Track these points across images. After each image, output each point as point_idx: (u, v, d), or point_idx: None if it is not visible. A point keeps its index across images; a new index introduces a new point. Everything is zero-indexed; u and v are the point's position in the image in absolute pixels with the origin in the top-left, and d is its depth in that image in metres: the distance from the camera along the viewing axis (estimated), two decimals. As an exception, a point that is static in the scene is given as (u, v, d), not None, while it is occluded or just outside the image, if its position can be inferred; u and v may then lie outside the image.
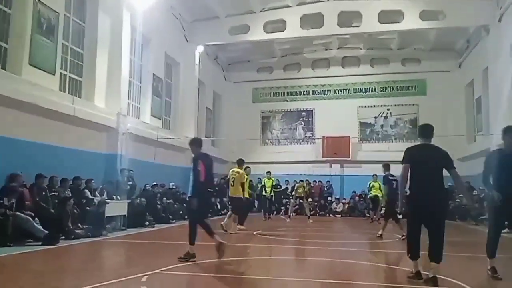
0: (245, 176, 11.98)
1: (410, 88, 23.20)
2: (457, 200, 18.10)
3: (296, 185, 17.07)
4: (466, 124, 21.44)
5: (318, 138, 23.42)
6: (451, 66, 22.32)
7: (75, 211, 9.65)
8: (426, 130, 5.67)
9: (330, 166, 22.68)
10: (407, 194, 5.64)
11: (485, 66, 18.02)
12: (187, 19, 19.46)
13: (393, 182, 10.72)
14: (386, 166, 11.22)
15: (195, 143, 7.08)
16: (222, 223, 11.30)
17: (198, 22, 19.85)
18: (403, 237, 10.16)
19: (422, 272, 5.37)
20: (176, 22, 18.69)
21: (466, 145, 20.52)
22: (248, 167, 13.37)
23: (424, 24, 18.27)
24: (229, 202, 12.83)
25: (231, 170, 11.96)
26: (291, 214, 17.03)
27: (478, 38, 19.07)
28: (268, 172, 16.83)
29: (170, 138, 16.86)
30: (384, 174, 11.13)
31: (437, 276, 5.14)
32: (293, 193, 17.16)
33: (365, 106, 23.57)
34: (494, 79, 16.88)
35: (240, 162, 12.04)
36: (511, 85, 15.43)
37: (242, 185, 11.57)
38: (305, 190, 16.99)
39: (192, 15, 19.53)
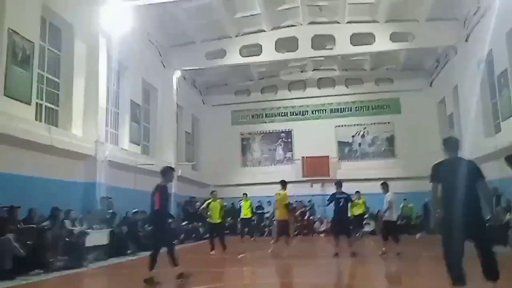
0: (288, 197, 11.60)
1: (385, 107, 23.78)
2: (436, 215, 18.41)
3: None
4: (440, 140, 21.87)
5: (297, 159, 23.61)
6: (423, 85, 23.04)
7: (55, 242, 9.41)
8: (452, 143, 5.42)
9: (311, 186, 22.82)
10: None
11: (455, 83, 18.69)
12: (164, 45, 19.60)
13: (340, 200, 10.95)
14: (338, 183, 11.41)
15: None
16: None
17: (175, 47, 20.03)
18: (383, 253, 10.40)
19: None
20: (153, 48, 18.80)
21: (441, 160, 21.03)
22: (215, 191, 13.30)
23: (394, 46, 18.93)
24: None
25: (275, 193, 11.69)
26: (275, 236, 16.95)
27: (447, 57, 19.80)
28: (244, 194, 16.87)
29: (149, 164, 16.72)
30: (336, 192, 11.24)
31: None
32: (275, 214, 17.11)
33: (342, 126, 23.99)
34: (464, 96, 17.51)
35: (283, 183, 11.71)
36: (479, 102, 16.05)
37: (286, 206, 11.37)
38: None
39: (168, 40, 19.70)
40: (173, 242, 7.29)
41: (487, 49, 14.94)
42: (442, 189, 5.16)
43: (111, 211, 12.75)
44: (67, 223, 10.34)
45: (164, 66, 19.76)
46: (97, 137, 13.35)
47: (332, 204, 11.23)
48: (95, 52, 13.77)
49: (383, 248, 10.66)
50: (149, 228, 7.06)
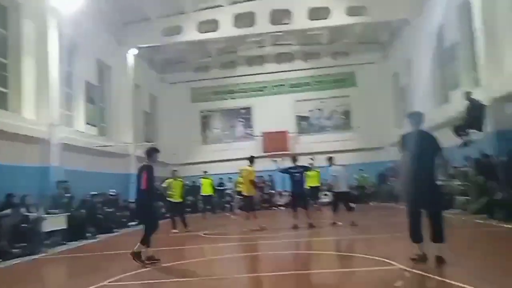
0: (254, 173, 11.68)
1: (341, 80, 24.25)
2: (389, 183, 19.26)
3: (239, 177, 17.10)
4: (394, 112, 22.79)
5: (258, 135, 23.81)
6: (378, 58, 23.59)
7: (11, 229, 9.20)
8: (416, 117, 5.87)
9: (275, 161, 23.12)
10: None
11: (408, 56, 19.26)
12: (117, 22, 18.95)
13: (296, 174, 11.30)
14: (293, 158, 11.75)
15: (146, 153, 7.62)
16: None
17: (129, 24, 19.43)
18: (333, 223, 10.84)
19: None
20: (106, 25, 18.16)
21: (395, 131, 21.81)
22: (176, 170, 13.32)
23: (350, 20, 19.17)
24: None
25: (242, 169, 11.76)
26: (237, 211, 17.28)
27: (401, 31, 20.30)
28: (205, 172, 16.93)
29: (107, 145, 16.42)
30: (291, 166, 11.56)
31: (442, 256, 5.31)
32: (236, 189, 17.33)
33: (300, 100, 24.31)
34: (416, 68, 18.11)
35: (251, 159, 11.74)
36: (430, 74, 16.69)
37: (252, 182, 11.46)
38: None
39: (122, 17, 19.05)
40: (155, 224, 7.28)
41: (439, 22, 15.42)
42: (405, 158, 5.69)
43: (68, 195, 12.51)
44: (23, 209, 10.09)
45: (118, 44, 19.17)
46: (51, 119, 12.94)
47: (288, 177, 11.54)
48: (45, 31, 13.19)
49: (333, 220, 11.05)
50: (135, 207, 7.11)
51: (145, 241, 7.04)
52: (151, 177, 7.23)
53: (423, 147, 5.58)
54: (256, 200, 11.89)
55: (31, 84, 12.81)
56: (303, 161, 11.84)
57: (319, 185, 15.39)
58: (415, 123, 5.83)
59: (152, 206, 7.66)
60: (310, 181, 14.77)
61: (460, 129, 11.38)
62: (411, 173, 5.61)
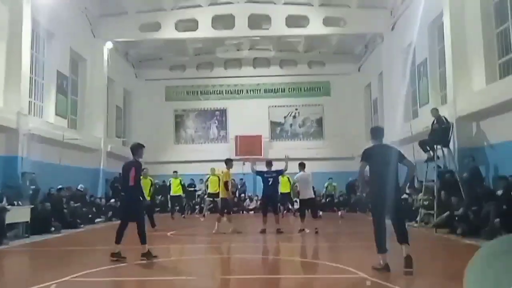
0: (230, 176, 11.66)
1: (316, 89, 24.62)
2: (358, 194, 19.65)
3: (208, 176, 17.07)
4: (365, 123, 23.33)
5: (231, 138, 23.85)
6: (352, 69, 24.13)
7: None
8: (379, 132, 6.27)
9: (243, 164, 23.22)
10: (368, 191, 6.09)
11: (381, 70, 19.79)
12: (94, 13, 18.65)
13: (269, 178, 11.43)
14: (268, 163, 11.85)
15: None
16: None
17: (106, 17, 19.16)
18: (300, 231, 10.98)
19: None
20: (82, 16, 17.86)
21: (365, 143, 22.28)
22: (145, 168, 13.16)
23: (327, 30, 19.59)
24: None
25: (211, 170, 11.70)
26: (206, 213, 17.23)
27: (374, 44, 20.85)
28: (175, 171, 16.79)
29: (77, 138, 16.09)
30: (265, 170, 11.67)
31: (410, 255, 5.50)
32: (207, 191, 17.26)
33: (275, 106, 24.54)
34: (388, 82, 18.65)
35: (227, 162, 11.67)
36: (401, 88, 17.20)
37: (225, 184, 11.39)
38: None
39: (99, 9, 18.76)
40: (143, 220, 7.29)
41: (410, 38, 15.95)
42: (370, 171, 5.98)
43: (33, 187, 12.22)
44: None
45: (94, 36, 18.85)
46: (20, 108, 12.60)
47: (261, 182, 11.63)
48: (18, 16, 12.85)
49: (300, 226, 11.21)
50: (120, 203, 7.12)
51: (143, 239, 7.02)
52: (139, 173, 7.23)
53: (387, 158, 5.84)
54: (230, 203, 11.85)
55: (1, 70, 12.46)
56: (276, 167, 11.89)
57: (289, 191, 15.53)
58: (377, 138, 6.15)
59: (141, 202, 7.64)
60: (282, 187, 14.94)
61: (426, 144, 11.78)
62: (376, 184, 5.87)
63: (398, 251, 5.59)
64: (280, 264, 7.44)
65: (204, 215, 16.82)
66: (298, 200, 16.06)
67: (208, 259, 8.03)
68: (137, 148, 7.49)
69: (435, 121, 11.70)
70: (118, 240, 7.04)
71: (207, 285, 5.73)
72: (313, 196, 11.71)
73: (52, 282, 5.35)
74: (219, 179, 16.43)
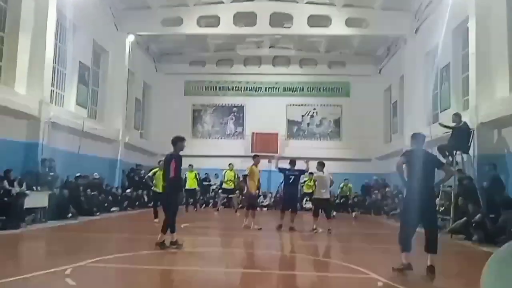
0: (256, 171, 11.50)
1: (335, 89, 24.46)
2: (373, 196, 19.50)
3: (225, 171, 17.04)
4: (384, 126, 23.12)
5: (248, 135, 23.89)
6: (372, 71, 23.90)
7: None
8: (420, 138, 6.38)
9: (269, 162, 23.25)
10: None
11: (402, 73, 19.55)
12: (118, 7, 18.86)
13: (291, 177, 11.39)
14: (292, 161, 11.74)
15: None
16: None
17: (130, 10, 19.34)
18: (314, 230, 10.93)
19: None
20: (106, 8, 18.08)
21: (383, 145, 22.15)
22: (161, 161, 13.24)
23: (349, 31, 19.43)
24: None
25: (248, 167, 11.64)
26: (220, 207, 17.30)
27: (397, 47, 20.61)
28: (190, 165, 16.86)
29: (96, 128, 16.34)
30: (288, 168, 11.62)
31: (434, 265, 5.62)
32: (222, 186, 17.35)
33: (293, 105, 24.48)
34: (409, 85, 18.41)
35: (255, 157, 11.73)
36: (422, 93, 16.98)
37: (248, 179, 11.36)
38: (235, 183, 16.97)
39: (123, 2, 18.96)
40: (175, 212, 7.48)
41: (434, 42, 15.72)
42: (407, 174, 6.09)
43: (52, 173, 12.46)
44: (4, 183, 10.02)
45: (117, 29, 19.08)
46: (42, 97, 12.86)
47: (283, 178, 11.60)
48: (44, 7, 13.09)
49: (314, 225, 11.16)
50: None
51: (167, 228, 7.20)
52: (179, 166, 7.39)
53: (426, 164, 5.97)
54: (254, 199, 11.78)
55: (25, 59, 12.71)
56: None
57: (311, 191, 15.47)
58: (418, 143, 6.28)
59: (177, 195, 7.91)
60: (307, 188, 14.95)
61: (446, 149, 11.61)
62: (412, 188, 5.96)
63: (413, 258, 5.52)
64: (291, 261, 7.44)
65: (218, 209, 16.90)
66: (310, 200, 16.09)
67: (220, 252, 8.07)
68: (176, 141, 7.63)
69: (456, 126, 11.52)
70: (173, 230, 7.27)
71: (217, 277, 5.77)
72: (328, 197, 11.65)
73: (68, 266, 5.45)
74: (235, 175, 16.54)
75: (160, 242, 7.13)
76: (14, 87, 12.31)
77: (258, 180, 11.82)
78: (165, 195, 7.81)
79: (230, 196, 17.36)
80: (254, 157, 11.74)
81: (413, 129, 15.92)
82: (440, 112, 16.15)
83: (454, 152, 11.54)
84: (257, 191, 11.94)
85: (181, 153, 7.68)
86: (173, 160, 7.34)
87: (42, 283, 4.84)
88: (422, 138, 6.44)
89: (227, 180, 16.60)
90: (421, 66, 17.63)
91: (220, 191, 20.34)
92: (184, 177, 17.04)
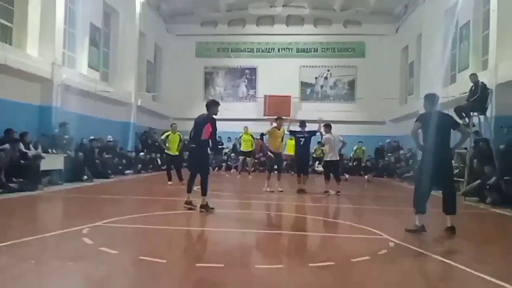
0: (276, 133, 11.31)
1: (350, 50, 23.89)
2: (386, 159, 19.41)
3: (241, 134, 17.00)
4: (399, 87, 22.66)
5: (260, 97, 23.68)
6: (389, 30, 23.20)
7: (9, 164, 9.32)
8: (434, 99, 6.23)
9: (271, 124, 23.13)
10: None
11: (419, 32, 18.94)
12: (128, -35, 18.41)
13: (301, 139, 11.29)
14: (302, 123, 11.60)
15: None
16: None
17: (139, -31, 18.88)
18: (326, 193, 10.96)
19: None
20: (115, -32, 17.65)
21: (398, 107, 21.80)
22: (175, 123, 13.25)
23: (365, -12, 18.71)
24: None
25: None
26: (240, 170, 17.33)
27: (415, 5, 19.85)
28: None
29: (108, 91, 16.33)
30: (298, 130, 11.49)
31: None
32: (240, 148, 17.31)
33: (306, 66, 24.05)
34: (427, 45, 17.85)
35: (277, 120, 11.49)
36: (440, 52, 16.46)
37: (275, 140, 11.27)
38: (252, 145, 16.62)
39: (132, -39, 18.49)
40: (208, 173, 7.67)
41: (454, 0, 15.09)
42: (423, 136, 6.02)
43: (67, 136, 12.59)
44: (21, 145, 10.16)
45: (127, -11, 18.70)
46: (54, 59, 12.81)
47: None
48: (53, -34, 12.80)
49: (325, 188, 11.18)
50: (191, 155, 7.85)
51: (206, 191, 7.40)
52: (215, 129, 7.41)
53: (442, 125, 5.90)
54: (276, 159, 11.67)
55: (36, 21, 12.60)
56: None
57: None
58: (431, 104, 6.16)
59: (209, 157, 8.11)
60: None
61: (463, 110, 11.36)
62: (428, 149, 5.93)
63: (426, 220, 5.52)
64: (301, 222, 7.49)
65: (239, 173, 16.95)
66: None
67: (233, 213, 8.17)
68: (211, 105, 7.61)
69: (473, 87, 11.23)
70: (189, 190, 7.51)
71: (229, 236, 5.85)
72: (337, 159, 11.53)
73: (85, 226, 5.58)
74: (252, 138, 16.49)
75: (203, 204, 7.35)
76: (26, 49, 12.26)
77: (281, 141, 11.57)
78: (190, 155, 7.86)
79: (248, 158, 17.15)
80: (277, 119, 11.54)
81: (430, 90, 15.62)
82: (458, 72, 15.74)
83: (471, 113, 11.29)
84: (280, 152, 11.81)
85: (193, 115, 7.73)
86: (210, 122, 7.37)
87: (61, 242, 4.97)
88: (435, 98, 6.28)
89: (244, 142, 16.51)
90: (439, 25, 17.02)
91: (232, 154, 20.47)
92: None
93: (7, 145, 9.59)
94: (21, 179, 9.37)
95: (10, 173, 9.23)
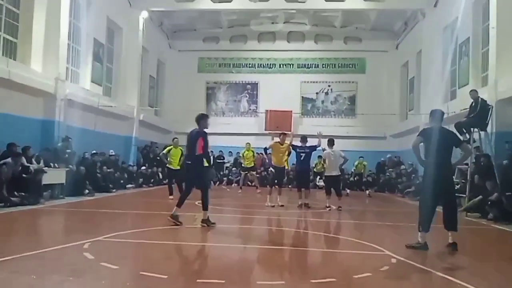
0: (279, 147, 11.51)
1: (351, 66, 24.07)
2: (387, 174, 19.39)
3: (243, 151, 16.88)
4: (400, 103, 22.76)
5: (261, 112, 23.78)
6: (389, 47, 23.40)
7: (11, 178, 9.35)
8: (438, 115, 6.22)
9: (272, 139, 23.17)
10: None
11: (419, 48, 19.09)
12: (131, -18, 18.71)
13: (301, 154, 11.33)
14: (303, 138, 11.65)
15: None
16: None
17: (143, -14, 19.18)
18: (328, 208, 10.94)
19: None
20: (119, -16, 17.94)
21: (398, 123, 21.86)
22: (176, 138, 13.35)
23: (365, 5, 18.99)
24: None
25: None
26: (241, 185, 17.29)
27: (415, 21, 20.06)
28: None
29: (111, 106, 16.45)
30: (299, 145, 11.54)
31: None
32: (242, 164, 17.31)
33: (307, 82, 24.20)
34: (427, 61, 17.99)
35: (280, 135, 11.76)
36: (440, 68, 16.58)
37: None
38: (254, 161, 16.72)
39: (136, -22, 18.79)
40: (207, 187, 7.72)
41: (453, 16, 15.27)
42: (425, 152, 6.02)
43: (69, 150, 12.65)
44: (23, 159, 10.21)
45: (130, 5, 18.97)
46: (58, 74, 12.95)
47: (294, 156, 11.57)
48: (57, -16, 13.03)
49: (327, 203, 11.15)
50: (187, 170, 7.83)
51: (206, 205, 7.43)
52: (207, 143, 7.46)
53: (444, 142, 5.90)
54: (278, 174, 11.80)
55: (40, 36, 12.78)
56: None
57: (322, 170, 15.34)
58: (436, 120, 6.16)
59: (206, 171, 8.12)
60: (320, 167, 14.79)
61: (463, 126, 11.39)
62: (430, 166, 5.92)
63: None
64: (303, 238, 7.48)
65: (240, 187, 16.88)
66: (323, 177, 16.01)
67: (234, 229, 8.16)
68: (200, 119, 7.65)
69: (473, 103, 11.28)
70: (179, 204, 7.41)
71: (230, 252, 5.84)
72: (338, 174, 11.56)
73: (86, 240, 5.58)
74: (253, 154, 16.53)
75: (204, 219, 7.35)
76: (30, 64, 12.40)
77: (286, 155, 11.88)
78: (187, 171, 7.87)
79: (251, 172, 17.09)
80: (280, 135, 11.73)
81: (430, 106, 15.57)
82: (458, 88, 15.82)
83: (472, 129, 11.33)
84: (284, 166, 11.93)
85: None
86: (201, 137, 7.40)
87: (62, 257, 4.96)
88: (440, 114, 6.28)
89: (246, 159, 16.50)
90: (439, 41, 17.19)
91: (234, 168, 20.45)
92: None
93: (9, 159, 9.64)
94: (23, 193, 9.40)
95: (12, 187, 9.26)
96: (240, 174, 18.23)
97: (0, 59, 10.94)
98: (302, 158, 11.39)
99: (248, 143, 16.53)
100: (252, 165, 16.48)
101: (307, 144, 11.53)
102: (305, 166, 11.68)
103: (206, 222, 7.34)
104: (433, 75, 17.01)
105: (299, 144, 11.59)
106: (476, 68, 14.38)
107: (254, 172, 17.00)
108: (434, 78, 16.86)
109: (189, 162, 7.61)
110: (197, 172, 7.56)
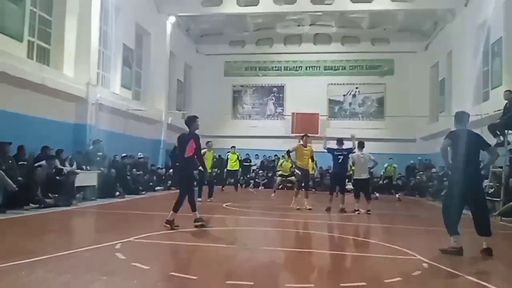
0: (303, 150, 11.47)
1: (378, 67, 23.77)
2: (418, 177, 18.99)
3: (282, 161, 16.93)
4: (429, 105, 22.28)
5: (288, 115, 23.73)
6: (418, 48, 22.96)
7: (45, 180, 9.65)
8: (464, 117, 6.10)
9: (299, 142, 23.08)
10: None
11: (450, 49, 18.66)
12: (159, -12, 19.06)
13: (339, 157, 11.15)
14: (339, 141, 11.48)
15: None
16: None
17: (170, -9, 19.50)
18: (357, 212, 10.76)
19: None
20: (147, -9, 18.30)
21: (429, 125, 21.41)
22: (210, 141, 13.43)
23: (393, 5, 18.71)
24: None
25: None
26: (275, 190, 17.24)
27: (444, 21, 19.63)
28: (233, 147, 16.94)
29: (140, 110, 16.77)
30: (336, 148, 11.37)
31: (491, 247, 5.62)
32: (278, 169, 17.27)
33: (334, 84, 24.02)
34: (458, 61, 17.56)
35: (302, 137, 11.74)
36: (472, 69, 16.14)
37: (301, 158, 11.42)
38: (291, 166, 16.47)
39: (163, -16, 19.14)
40: (194, 189, 7.67)
41: (485, 16, 14.86)
42: (452, 155, 5.89)
43: (100, 153, 12.94)
44: (57, 162, 10.52)
45: (158, 11, 19.33)
46: (89, 79, 13.30)
47: (331, 158, 11.45)
48: (89, -9, 13.42)
49: (356, 206, 10.97)
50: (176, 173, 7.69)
51: (194, 206, 7.42)
52: (199, 145, 7.45)
53: (472, 145, 5.78)
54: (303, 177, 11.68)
55: (72, 42, 13.16)
56: (333, 146, 11.59)
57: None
58: (462, 122, 6.04)
59: (193, 174, 7.95)
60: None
61: (497, 128, 11.05)
62: (457, 169, 5.79)
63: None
64: (332, 241, 7.40)
65: (274, 191, 16.80)
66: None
67: (261, 231, 8.15)
68: (190, 121, 7.56)
69: (507, 104, 10.93)
70: (176, 209, 7.28)
71: (257, 255, 5.83)
72: (368, 177, 11.39)
73: (117, 241, 5.69)
74: (292, 163, 16.46)
75: (196, 218, 7.31)
76: (62, 70, 12.78)
77: (311, 159, 11.80)
78: (175, 174, 7.92)
79: (288, 179, 17.03)
80: (303, 137, 11.63)
81: (462, 108, 15.28)
82: (491, 89, 15.36)
83: (506, 131, 10.96)
84: (311, 170, 11.83)
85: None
86: (193, 139, 7.34)
87: (94, 257, 5.08)
88: (466, 117, 6.13)
89: (283, 168, 16.50)
90: (470, 41, 16.74)
91: (260, 171, 20.43)
92: (226, 158, 17.18)
93: (43, 162, 9.96)
94: (56, 195, 9.68)
95: (46, 188, 9.55)
96: (275, 180, 18.01)
97: (34, 65, 11.30)
98: (340, 161, 11.19)
99: (284, 155, 16.32)
100: (288, 172, 16.41)
101: (344, 147, 11.39)
102: (343, 169, 11.50)
103: (199, 221, 7.31)
104: (464, 76, 16.60)
105: (335, 147, 11.45)
106: (509, 69, 13.93)
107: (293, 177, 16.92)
108: (465, 79, 16.45)
109: (178, 164, 7.61)
110: (185, 174, 7.51)
